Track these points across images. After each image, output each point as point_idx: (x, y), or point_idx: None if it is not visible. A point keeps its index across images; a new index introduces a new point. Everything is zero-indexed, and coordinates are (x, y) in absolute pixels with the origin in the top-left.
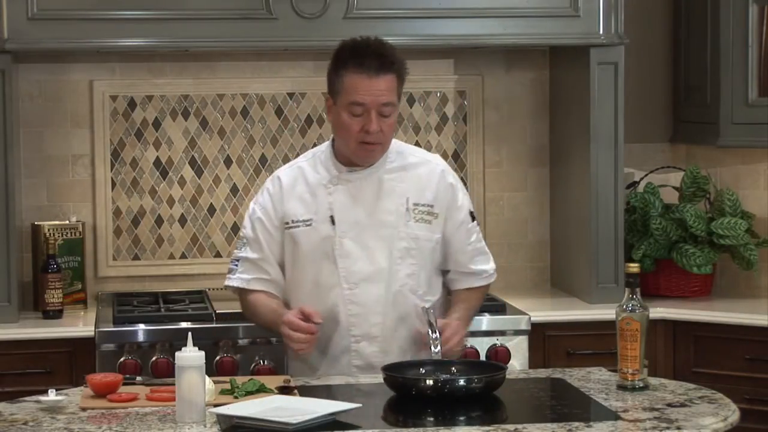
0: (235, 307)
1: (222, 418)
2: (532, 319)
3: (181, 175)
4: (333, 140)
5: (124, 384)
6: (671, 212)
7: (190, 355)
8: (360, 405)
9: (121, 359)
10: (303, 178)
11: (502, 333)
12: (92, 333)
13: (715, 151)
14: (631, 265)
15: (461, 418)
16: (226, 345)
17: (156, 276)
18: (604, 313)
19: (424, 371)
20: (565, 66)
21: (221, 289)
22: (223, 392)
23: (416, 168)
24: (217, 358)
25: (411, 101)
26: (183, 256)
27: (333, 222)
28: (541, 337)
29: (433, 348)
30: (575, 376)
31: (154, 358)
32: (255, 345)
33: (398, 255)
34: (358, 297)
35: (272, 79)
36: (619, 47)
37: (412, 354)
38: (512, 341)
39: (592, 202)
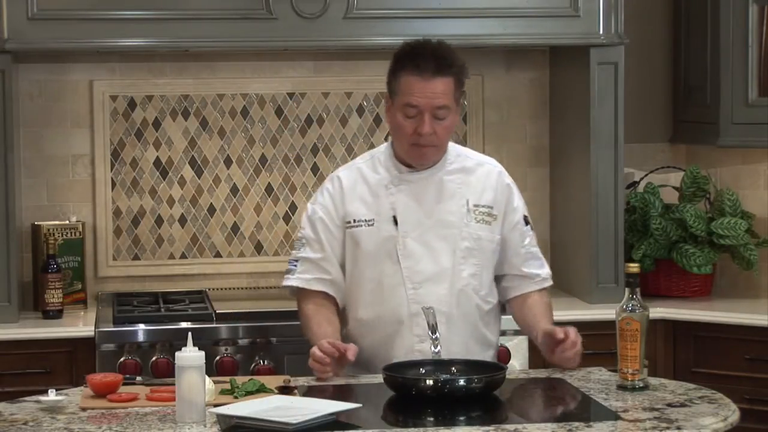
0: (235, 307)
1: (222, 418)
2: None
3: (181, 175)
4: (392, 142)
5: (124, 384)
6: (671, 212)
7: (190, 355)
8: (360, 405)
9: (121, 359)
10: (363, 179)
11: (502, 333)
12: (92, 333)
13: (715, 151)
14: (631, 265)
15: (461, 418)
16: (226, 345)
17: (156, 276)
18: (604, 313)
19: (424, 371)
20: (565, 66)
21: (221, 289)
22: (223, 392)
23: (475, 170)
24: (217, 358)
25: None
26: (183, 256)
27: (396, 222)
28: None
29: (432, 348)
30: (575, 376)
31: (154, 358)
32: (255, 345)
33: (461, 255)
34: (421, 297)
35: (272, 79)
36: (619, 47)
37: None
38: (512, 341)
39: (592, 202)
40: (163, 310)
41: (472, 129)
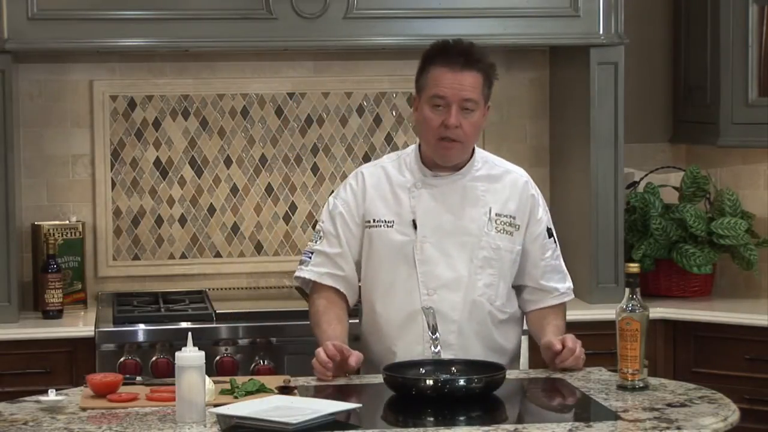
0: (235, 307)
1: (222, 418)
2: None
3: (181, 175)
4: (419, 144)
5: (124, 384)
6: (671, 212)
7: (190, 355)
8: (360, 405)
9: (121, 359)
10: (387, 179)
11: None
12: (92, 333)
13: (715, 151)
14: (631, 265)
15: (461, 418)
16: (226, 345)
17: (156, 276)
18: (604, 313)
19: (424, 371)
20: (565, 66)
21: (221, 289)
22: (223, 392)
23: (501, 178)
24: (217, 358)
25: (411, 101)
26: (183, 256)
27: (415, 226)
28: None
29: (432, 348)
30: (575, 376)
31: (154, 358)
32: (255, 345)
33: (478, 264)
34: (435, 303)
35: (272, 79)
36: (619, 47)
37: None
38: None
39: (592, 202)
40: (163, 310)
41: None
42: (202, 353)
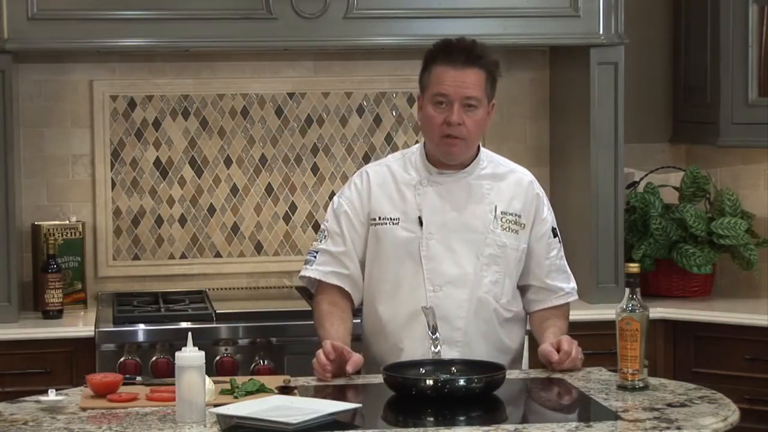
0: (235, 307)
1: (222, 418)
2: None
3: (181, 175)
4: (424, 142)
5: (124, 384)
6: (671, 212)
7: (190, 355)
8: (360, 405)
9: (121, 359)
10: (392, 177)
11: None
12: (92, 333)
13: (715, 151)
14: (631, 265)
15: (461, 418)
16: (226, 345)
17: (156, 276)
18: (604, 313)
19: (424, 371)
20: (565, 66)
21: (221, 289)
22: (223, 392)
23: (506, 177)
24: (217, 358)
25: (411, 101)
26: (183, 256)
27: (420, 223)
28: None
29: (433, 348)
30: (575, 376)
31: (154, 358)
32: (255, 345)
33: (484, 261)
34: (441, 300)
35: (272, 79)
36: (619, 47)
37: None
38: None
39: (592, 202)
40: (163, 310)
41: None
42: (202, 353)
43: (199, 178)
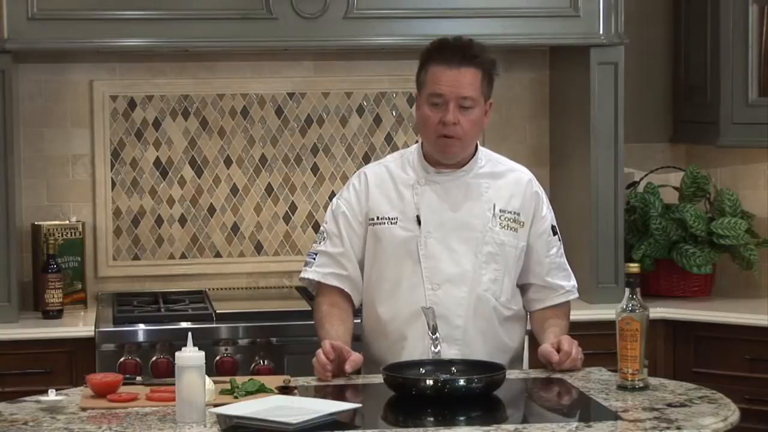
0: (235, 307)
1: (222, 418)
2: None
3: (181, 175)
4: (422, 142)
5: (124, 384)
6: (671, 212)
7: (190, 355)
8: (360, 405)
9: (121, 359)
10: (390, 177)
11: None
12: (92, 333)
13: (715, 151)
14: (631, 265)
15: (461, 418)
16: (226, 345)
17: (156, 276)
18: (604, 313)
19: (424, 371)
20: (565, 66)
21: (221, 289)
22: (223, 392)
23: (505, 175)
24: (217, 358)
25: (411, 101)
26: (183, 256)
27: (419, 222)
28: None
29: (432, 348)
30: (575, 376)
31: (154, 358)
32: (255, 345)
33: (483, 259)
34: (440, 298)
35: (272, 79)
36: (619, 47)
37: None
38: None
39: (592, 202)
40: (163, 310)
41: None
42: (202, 353)
43: (199, 178)
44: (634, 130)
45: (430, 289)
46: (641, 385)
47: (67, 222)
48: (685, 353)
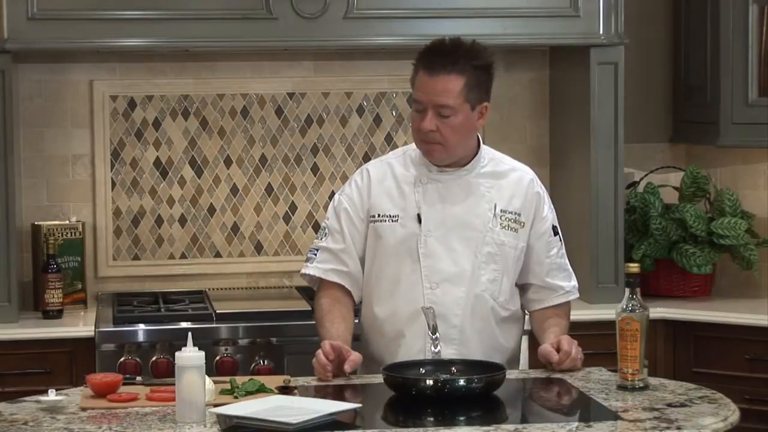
0: (235, 307)
1: (222, 418)
2: None
3: (181, 175)
4: None
5: (124, 384)
6: (671, 212)
7: (190, 355)
8: (360, 405)
9: (121, 359)
10: (392, 174)
11: None
12: (92, 333)
13: (715, 151)
14: (631, 265)
15: (461, 418)
16: (226, 345)
17: (156, 276)
18: (604, 313)
19: (424, 371)
20: (565, 66)
21: (221, 289)
22: (223, 392)
23: (507, 175)
24: (217, 358)
25: (411, 101)
26: (183, 256)
27: (419, 220)
28: None
29: (433, 348)
30: (575, 376)
31: (154, 358)
32: (255, 345)
33: (482, 259)
34: (438, 297)
35: (272, 79)
36: (619, 47)
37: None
38: None
39: (592, 202)
40: (163, 310)
41: None
42: (202, 353)
43: (199, 178)
44: (634, 130)
45: (429, 287)
46: (641, 385)
47: (67, 222)
48: (685, 353)
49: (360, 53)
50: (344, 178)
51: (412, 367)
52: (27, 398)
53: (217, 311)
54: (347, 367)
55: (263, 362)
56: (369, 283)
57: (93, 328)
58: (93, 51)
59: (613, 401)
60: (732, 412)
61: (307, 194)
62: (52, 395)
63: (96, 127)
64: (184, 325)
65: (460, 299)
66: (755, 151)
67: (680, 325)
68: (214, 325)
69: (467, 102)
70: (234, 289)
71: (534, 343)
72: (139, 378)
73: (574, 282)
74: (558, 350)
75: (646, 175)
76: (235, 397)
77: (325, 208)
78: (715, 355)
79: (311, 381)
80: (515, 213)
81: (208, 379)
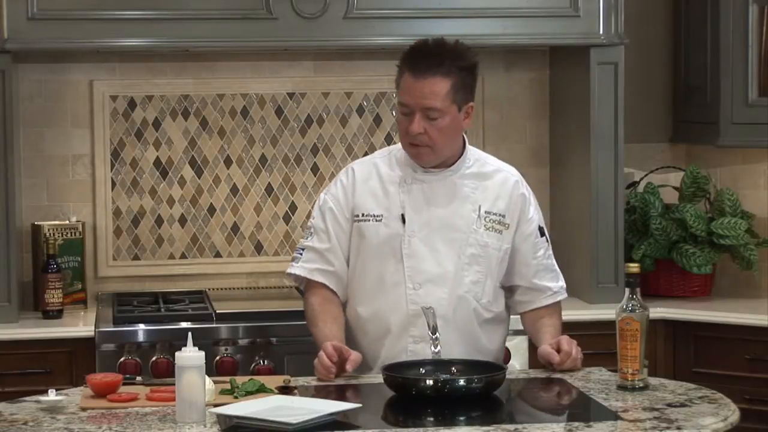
0: (235, 307)
1: (222, 418)
2: None
3: (181, 175)
4: None
5: (124, 384)
6: (671, 212)
7: (190, 355)
8: (360, 405)
9: (121, 359)
10: (377, 174)
11: None
12: (92, 333)
13: (715, 151)
14: (631, 265)
15: (461, 418)
16: (226, 345)
17: (156, 276)
18: (604, 313)
19: (424, 371)
20: (565, 66)
21: (221, 289)
22: (223, 392)
23: (492, 176)
24: (217, 358)
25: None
26: (183, 256)
27: (403, 220)
28: None
29: (433, 348)
30: (575, 376)
31: (154, 358)
32: (255, 345)
33: (465, 261)
34: (421, 297)
35: (272, 79)
36: (619, 47)
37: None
38: (512, 341)
39: (592, 202)
40: (163, 310)
41: (472, 129)
42: (202, 353)
43: (199, 178)
44: (634, 130)
45: (412, 288)
46: (641, 385)
47: (67, 222)
48: (685, 353)
49: (360, 53)
50: None
51: (412, 367)
52: (27, 398)
53: (217, 311)
54: (349, 367)
55: (263, 362)
56: (353, 282)
57: (93, 328)
58: (93, 51)
59: (613, 401)
60: (732, 412)
61: (307, 194)
62: (52, 395)
63: (96, 127)
64: (184, 325)
65: (443, 300)
66: (755, 151)
67: (680, 325)
68: (214, 325)
69: (454, 103)
70: (234, 289)
71: (534, 344)
72: (139, 378)
73: (561, 282)
74: (558, 351)
75: (646, 175)
76: (235, 397)
77: None
78: (715, 355)
79: (311, 381)
80: (499, 215)
81: (208, 379)
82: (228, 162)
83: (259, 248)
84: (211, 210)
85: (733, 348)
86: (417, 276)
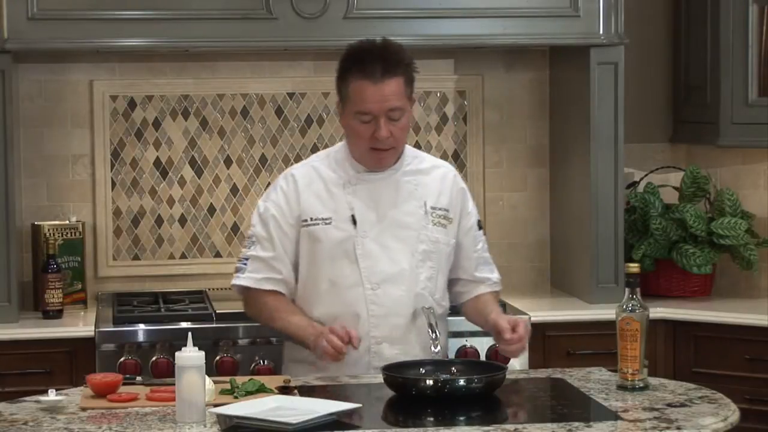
0: (235, 307)
1: (222, 418)
2: (532, 319)
3: (181, 175)
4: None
5: (124, 384)
6: (671, 212)
7: (190, 355)
8: (360, 405)
9: (121, 359)
10: (319, 177)
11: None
12: (92, 333)
13: (715, 151)
14: (631, 265)
15: (461, 418)
16: (226, 345)
17: (156, 276)
18: (604, 313)
19: (424, 371)
20: (565, 66)
21: (221, 289)
22: (223, 392)
23: (430, 172)
24: (217, 358)
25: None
26: (183, 256)
27: (354, 222)
28: (541, 337)
29: (433, 348)
30: (575, 376)
31: (154, 358)
32: (255, 345)
33: (419, 258)
34: (380, 298)
35: (272, 79)
36: (619, 47)
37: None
38: None
39: (592, 202)
40: (163, 310)
41: (473, 129)
42: (202, 353)
43: (199, 178)
44: (634, 130)
45: (369, 288)
46: (641, 385)
47: (67, 222)
48: (685, 353)
49: None
50: None
51: (412, 367)
52: (27, 398)
53: (217, 311)
54: (357, 345)
55: (263, 362)
56: (306, 286)
57: (93, 328)
58: (93, 51)
59: (613, 401)
60: (732, 412)
61: None
62: (52, 395)
63: (96, 127)
64: (184, 325)
65: (402, 298)
66: (755, 151)
67: (680, 325)
68: (214, 325)
69: (409, 100)
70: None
71: (534, 344)
72: (139, 378)
73: (497, 273)
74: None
75: (646, 175)
76: (235, 397)
77: None
78: (715, 355)
79: (311, 381)
80: (444, 209)
81: (208, 379)
82: (228, 162)
83: None
84: (211, 210)
85: (733, 348)
86: (373, 276)
